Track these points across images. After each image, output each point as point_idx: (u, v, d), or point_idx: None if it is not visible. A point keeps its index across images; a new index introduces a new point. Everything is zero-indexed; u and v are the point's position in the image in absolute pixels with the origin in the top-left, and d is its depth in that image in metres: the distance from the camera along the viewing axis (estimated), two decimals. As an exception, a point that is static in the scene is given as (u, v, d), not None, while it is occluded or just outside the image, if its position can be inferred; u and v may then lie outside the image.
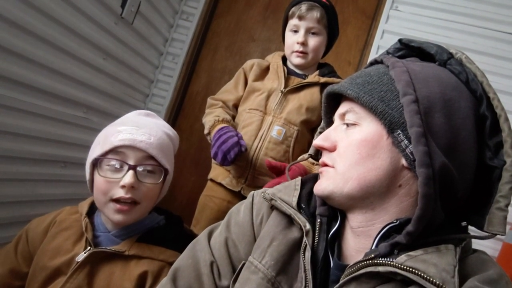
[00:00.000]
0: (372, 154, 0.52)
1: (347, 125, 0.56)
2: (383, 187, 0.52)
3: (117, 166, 0.78)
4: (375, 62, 0.63)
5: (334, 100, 0.63)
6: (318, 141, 0.59)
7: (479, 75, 0.54)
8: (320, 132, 0.67)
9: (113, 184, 0.77)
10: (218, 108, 1.26)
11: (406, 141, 0.50)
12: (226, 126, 1.16)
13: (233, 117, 1.28)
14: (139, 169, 0.79)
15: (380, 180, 0.51)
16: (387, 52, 0.64)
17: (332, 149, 0.57)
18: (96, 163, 0.79)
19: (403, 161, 0.51)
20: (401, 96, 0.51)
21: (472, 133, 0.51)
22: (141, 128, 0.81)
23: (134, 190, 0.77)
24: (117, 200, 0.77)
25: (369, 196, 0.52)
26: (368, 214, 0.53)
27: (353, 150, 0.53)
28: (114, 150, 0.78)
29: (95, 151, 0.80)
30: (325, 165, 0.58)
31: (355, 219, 0.55)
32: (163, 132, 0.86)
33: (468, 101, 0.52)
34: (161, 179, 0.83)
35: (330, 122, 0.64)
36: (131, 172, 0.77)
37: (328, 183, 0.55)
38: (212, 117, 1.21)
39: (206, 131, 1.21)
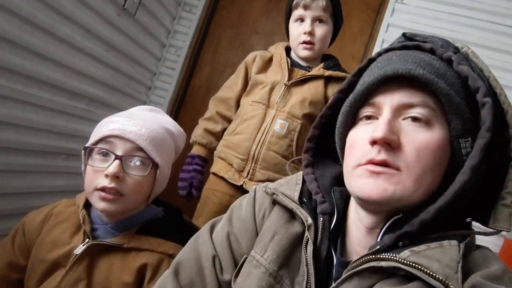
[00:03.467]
0: (440, 161, 0.49)
1: (415, 119, 0.49)
2: None
3: (105, 155, 0.78)
4: (405, 47, 0.55)
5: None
6: (384, 132, 0.47)
7: (485, 70, 0.53)
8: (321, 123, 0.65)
9: (99, 173, 0.77)
10: (206, 121, 1.32)
11: (469, 148, 0.48)
12: (195, 157, 1.29)
13: (229, 120, 1.31)
14: (127, 160, 0.78)
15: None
16: (424, 43, 0.61)
17: (396, 145, 0.48)
18: (87, 152, 0.80)
19: (448, 168, 0.50)
20: (482, 96, 0.48)
21: None
22: (134, 119, 0.81)
23: (118, 181, 0.77)
24: (102, 189, 0.76)
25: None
26: (390, 213, 0.51)
27: (429, 155, 0.47)
28: (104, 140, 0.78)
29: (88, 142, 0.81)
30: (385, 164, 0.48)
31: (372, 220, 0.52)
32: (161, 126, 0.85)
33: None
34: (148, 172, 0.80)
35: (357, 108, 0.55)
36: (116, 162, 0.76)
37: (396, 188, 0.47)
38: (194, 133, 1.32)
39: None
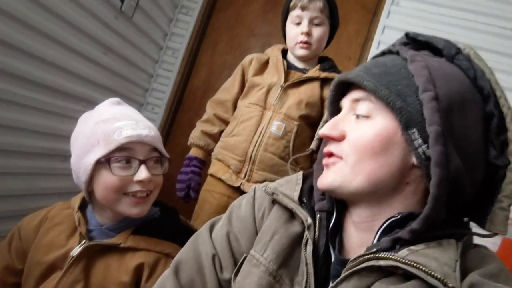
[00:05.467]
0: (386, 149, 0.50)
1: (357, 116, 0.54)
2: (391, 183, 0.51)
3: (127, 162, 0.78)
4: (389, 52, 0.60)
5: (343, 88, 0.59)
6: (325, 129, 0.55)
7: (487, 72, 0.53)
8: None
9: (127, 180, 0.77)
10: (203, 123, 1.33)
11: (420, 140, 0.48)
12: (192, 159, 1.29)
13: (226, 122, 1.31)
14: (149, 162, 0.80)
15: (390, 177, 0.50)
16: (393, 46, 0.62)
17: (340, 139, 0.54)
18: (101, 163, 0.77)
19: (414, 160, 0.50)
20: (420, 92, 0.49)
21: (481, 133, 0.51)
22: (139, 121, 0.82)
23: (148, 183, 0.79)
24: (132, 194, 0.78)
25: (377, 192, 0.52)
26: (374, 209, 0.53)
27: (366, 143, 0.51)
28: (119, 147, 0.77)
29: (95, 151, 0.77)
30: (331, 155, 0.55)
31: (360, 214, 0.54)
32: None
33: (478, 100, 0.52)
34: (165, 167, 0.85)
35: (334, 112, 0.62)
36: (143, 166, 0.78)
37: (336, 176, 0.53)
38: (191, 135, 1.32)
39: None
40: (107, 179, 0.77)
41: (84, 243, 0.79)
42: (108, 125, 0.79)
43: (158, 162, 0.84)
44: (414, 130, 0.49)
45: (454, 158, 0.47)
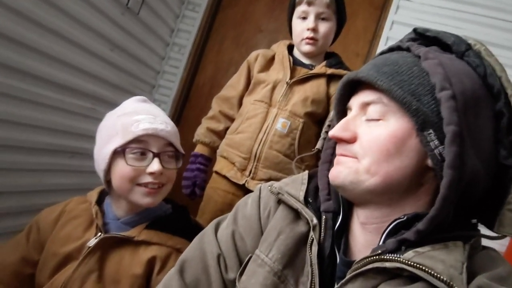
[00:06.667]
0: (400, 152, 0.49)
1: (369, 118, 0.52)
2: (405, 185, 0.50)
3: (141, 154, 0.81)
4: (398, 48, 0.58)
5: (351, 87, 0.58)
6: (336, 131, 0.54)
7: (498, 70, 0.51)
8: (329, 126, 0.65)
9: (140, 171, 0.81)
10: (209, 120, 1.32)
11: (436, 142, 0.47)
12: (198, 156, 1.29)
13: (232, 119, 1.30)
14: (163, 155, 0.83)
15: (405, 179, 0.49)
16: (401, 42, 0.60)
17: (351, 141, 0.53)
18: (118, 153, 0.81)
19: (429, 161, 0.49)
20: (437, 91, 0.47)
21: (492, 132, 0.50)
22: (157, 116, 0.85)
23: (160, 175, 0.82)
24: (144, 185, 0.81)
25: (388, 193, 0.51)
26: (384, 210, 0.52)
27: (380, 145, 0.50)
28: (136, 139, 0.80)
29: (113, 142, 0.81)
30: (344, 156, 0.54)
31: (369, 215, 0.53)
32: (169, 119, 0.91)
33: (488, 98, 0.51)
34: (180, 163, 0.88)
35: (340, 111, 0.61)
36: (156, 159, 0.81)
37: (349, 172, 0.52)
38: (197, 132, 1.32)
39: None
40: (122, 169, 0.80)
41: (100, 235, 0.82)
42: (128, 118, 0.83)
43: (172, 157, 0.87)
44: (431, 131, 0.48)
45: (470, 159, 0.46)
